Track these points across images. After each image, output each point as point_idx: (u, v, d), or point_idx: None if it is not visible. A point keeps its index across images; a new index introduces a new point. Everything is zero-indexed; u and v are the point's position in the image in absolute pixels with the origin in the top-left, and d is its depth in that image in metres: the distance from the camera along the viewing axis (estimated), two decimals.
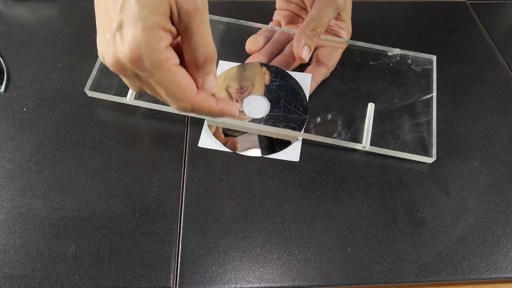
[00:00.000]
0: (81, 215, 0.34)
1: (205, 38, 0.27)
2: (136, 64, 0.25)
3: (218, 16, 0.45)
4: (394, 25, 0.50)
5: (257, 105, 0.40)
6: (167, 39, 0.26)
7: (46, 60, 0.44)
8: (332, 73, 0.43)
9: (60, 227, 0.33)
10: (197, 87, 0.28)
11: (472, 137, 0.40)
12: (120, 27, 0.25)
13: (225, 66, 0.42)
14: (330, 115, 0.41)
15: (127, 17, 0.24)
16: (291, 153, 0.38)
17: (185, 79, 0.27)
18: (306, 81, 0.41)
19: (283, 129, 0.38)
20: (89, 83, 0.40)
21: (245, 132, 0.39)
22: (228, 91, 0.40)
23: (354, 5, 0.42)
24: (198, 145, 0.38)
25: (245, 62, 0.43)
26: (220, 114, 0.31)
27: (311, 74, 0.41)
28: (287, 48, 0.43)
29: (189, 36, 0.26)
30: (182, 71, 0.27)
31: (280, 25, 0.45)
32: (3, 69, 0.43)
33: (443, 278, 0.32)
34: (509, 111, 0.43)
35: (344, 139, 0.38)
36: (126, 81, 0.29)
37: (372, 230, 0.34)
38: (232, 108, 0.31)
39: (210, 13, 0.45)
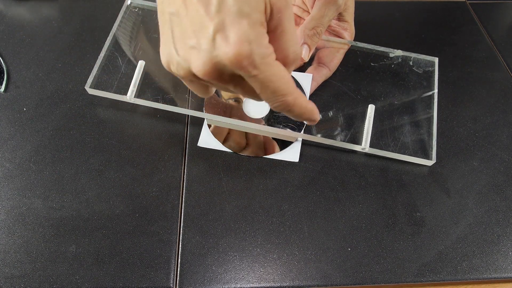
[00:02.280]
0: (81, 215, 0.34)
1: (294, 36, 0.26)
2: (245, 62, 0.24)
3: None
4: (394, 25, 0.50)
5: (257, 105, 0.40)
6: (267, 35, 0.25)
7: (46, 60, 0.44)
8: (334, 74, 0.43)
9: (60, 227, 0.33)
10: None
11: (472, 137, 0.40)
12: (221, 27, 0.24)
13: None
14: (330, 116, 0.41)
15: (229, 16, 0.23)
16: (291, 154, 0.38)
17: (287, 73, 0.26)
18: (307, 81, 0.41)
19: (283, 129, 0.38)
20: (89, 80, 0.40)
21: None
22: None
23: (355, 5, 0.42)
24: (198, 144, 0.38)
25: None
26: (310, 115, 0.29)
27: (311, 74, 0.41)
28: None
29: (281, 33, 0.26)
30: (282, 65, 0.26)
31: None
32: (3, 69, 0.43)
33: (443, 278, 0.32)
34: (509, 111, 0.43)
35: (343, 141, 0.38)
36: (205, 87, 0.29)
37: (372, 230, 0.34)
38: (316, 112, 0.30)
39: None
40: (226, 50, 0.24)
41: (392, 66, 0.44)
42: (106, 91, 0.40)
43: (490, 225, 0.35)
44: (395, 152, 0.38)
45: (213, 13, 0.24)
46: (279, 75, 0.26)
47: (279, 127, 0.38)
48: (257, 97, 0.28)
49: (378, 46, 0.43)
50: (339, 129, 0.40)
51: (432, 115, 0.40)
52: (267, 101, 0.27)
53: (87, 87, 0.40)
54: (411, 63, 0.44)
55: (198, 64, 0.25)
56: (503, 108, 0.43)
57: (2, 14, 0.48)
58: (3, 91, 0.41)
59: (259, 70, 0.25)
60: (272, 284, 0.32)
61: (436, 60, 0.44)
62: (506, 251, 0.34)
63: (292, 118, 0.30)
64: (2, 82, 0.42)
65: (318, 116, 0.30)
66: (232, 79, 0.26)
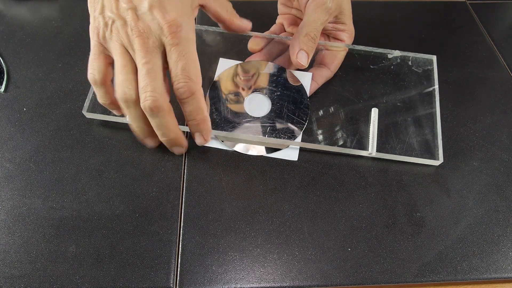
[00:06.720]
0: (81, 215, 0.34)
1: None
2: (174, 29, 0.29)
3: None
4: (394, 25, 0.50)
5: (258, 104, 0.40)
6: (193, 20, 0.32)
7: (46, 60, 0.44)
8: (333, 79, 0.43)
9: (60, 227, 0.33)
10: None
11: (472, 137, 0.40)
12: (157, 3, 0.29)
13: (226, 64, 0.42)
14: (334, 123, 0.40)
15: None
16: (290, 152, 0.38)
17: (199, 66, 0.32)
18: (307, 80, 0.41)
19: (289, 140, 0.38)
20: (86, 104, 0.39)
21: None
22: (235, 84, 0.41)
23: (354, 5, 0.42)
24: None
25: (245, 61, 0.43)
26: (203, 122, 0.33)
27: (311, 73, 0.41)
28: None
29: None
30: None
31: (283, 27, 0.45)
32: (3, 69, 0.43)
33: (443, 278, 0.32)
34: (509, 111, 0.43)
35: (349, 147, 0.38)
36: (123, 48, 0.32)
37: (372, 230, 0.34)
38: (209, 127, 0.35)
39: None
40: (165, 17, 0.29)
41: (392, 67, 0.44)
42: (105, 113, 0.38)
43: (490, 225, 0.35)
44: (402, 155, 0.38)
45: None
46: (195, 58, 0.31)
47: (279, 126, 0.38)
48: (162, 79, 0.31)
49: (375, 48, 0.43)
50: (344, 135, 0.39)
51: (435, 114, 0.40)
52: (175, 78, 0.30)
53: (84, 112, 0.38)
54: (410, 63, 0.44)
55: (134, 21, 0.30)
56: (503, 108, 0.43)
57: (2, 14, 0.48)
58: (3, 91, 0.41)
59: (180, 42, 0.30)
60: (272, 284, 0.32)
61: (434, 58, 0.44)
62: (506, 251, 0.34)
63: (188, 119, 0.33)
64: (2, 82, 0.42)
65: (209, 130, 0.34)
66: (154, 47, 0.30)
